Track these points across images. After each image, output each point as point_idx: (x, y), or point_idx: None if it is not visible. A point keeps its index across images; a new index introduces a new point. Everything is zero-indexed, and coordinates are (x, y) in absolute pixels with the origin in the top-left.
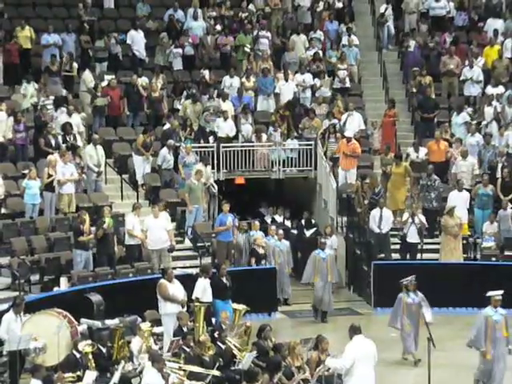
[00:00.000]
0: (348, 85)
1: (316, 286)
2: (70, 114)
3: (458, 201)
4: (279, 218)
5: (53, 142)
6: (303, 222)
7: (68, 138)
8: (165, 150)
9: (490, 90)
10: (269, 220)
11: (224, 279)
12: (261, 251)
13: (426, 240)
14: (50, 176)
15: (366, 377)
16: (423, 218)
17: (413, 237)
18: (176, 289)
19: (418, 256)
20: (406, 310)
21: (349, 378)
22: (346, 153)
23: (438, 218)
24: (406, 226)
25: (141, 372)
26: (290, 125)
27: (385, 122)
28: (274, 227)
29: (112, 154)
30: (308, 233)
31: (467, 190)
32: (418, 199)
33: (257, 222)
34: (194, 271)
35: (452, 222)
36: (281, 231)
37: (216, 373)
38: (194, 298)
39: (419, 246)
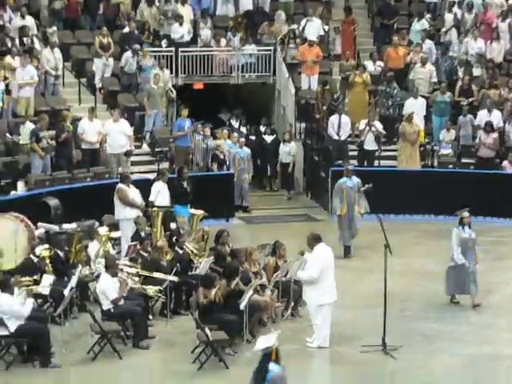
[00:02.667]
0: None
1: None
2: (23, 16)
3: (415, 108)
4: (235, 124)
5: (9, 44)
6: (262, 128)
7: (26, 41)
8: (129, 53)
9: None
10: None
11: (185, 184)
12: (221, 157)
13: (383, 147)
14: (6, 79)
15: (330, 285)
16: (380, 126)
17: (370, 144)
18: (134, 193)
19: (376, 163)
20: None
21: (314, 286)
22: (308, 58)
23: (396, 126)
24: (363, 134)
25: (98, 276)
26: (247, 30)
27: (344, 29)
28: (236, 134)
29: (70, 58)
30: (268, 139)
31: (425, 97)
32: (375, 107)
33: (225, 131)
34: (152, 176)
35: (410, 129)
36: (242, 139)
37: (173, 278)
38: (149, 201)
39: (376, 153)
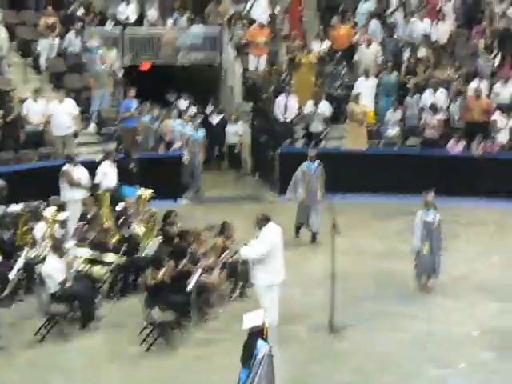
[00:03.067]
0: None
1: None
2: None
3: (364, 88)
4: (184, 104)
5: None
6: (209, 108)
7: None
8: (71, 33)
9: None
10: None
11: (132, 164)
12: (168, 138)
13: (330, 128)
14: None
15: (279, 265)
16: (327, 107)
17: (317, 125)
18: (81, 174)
19: (323, 144)
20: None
21: (261, 266)
22: (258, 39)
23: (343, 106)
24: (309, 114)
25: (44, 258)
26: (193, 10)
27: (290, 10)
28: (188, 114)
29: (15, 38)
30: (215, 120)
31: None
32: (322, 88)
33: (175, 111)
34: (99, 157)
35: (358, 109)
36: (197, 122)
37: (119, 258)
38: (95, 182)
39: (323, 134)
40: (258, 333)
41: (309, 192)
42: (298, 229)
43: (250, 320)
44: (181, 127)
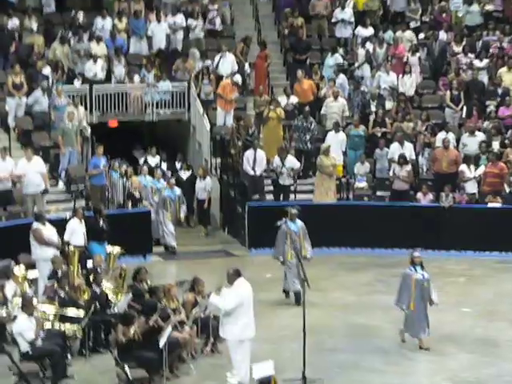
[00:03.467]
0: (218, 27)
1: None
2: None
3: (334, 142)
4: (153, 160)
5: None
6: (178, 164)
7: None
8: (38, 92)
9: (360, 31)
10: (142, 162)
11: (101, 221)
12: (137, 195)
13: (299, 181)
14: None
15: (250, 320)
16: (294, 161)
17: (285, 179)
18: (50, 232)
19: (292, 197)
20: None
21: (233, 321)
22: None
23: (311, 160)
24: (277, 169)
25: (15, 317)
26: (161, 67)
27: (257, 64)
28: (159, 171)
29: None
30: (184, 175)
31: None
32: (290, 143)
33: (145, 167)
34: (68, 214)
35: (327, 162)
36: (172, 180)
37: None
38: (64, 240)
39: (292, 188)
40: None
41: (294, 252)
42: (287, 293)
43: (260, 370)
44: (153, 184)
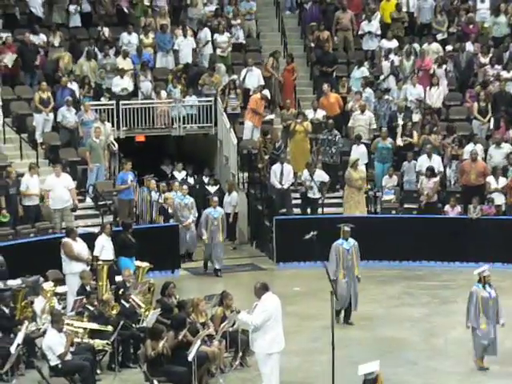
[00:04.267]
0: (242, 40)
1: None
2: None
3: (356, 154)
4: (179, 175)
5: None
6: (205, 178)
7: None
8: (63, 107)
9: (384, 43)
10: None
11: (130, 236)
12: (170, 210)
13: (327, 195)
14: None
15: (279, 334)
16: (323, 174)
17: (314, 193)
18: (80, 247)
19: (320, 210)
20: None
21: (261, 335)
22: (256, 109)
23: (338, 173)
24: (306, 183)
25: (44, 332)
26: (186, 83)
27: (284, 77)
28: (177, 183)
29: (10, 113)
30: (212, 189)
31: (365, 143)
32: (317, 156)
33: (176, 183)
34: (96, 230)
35: (356, 175)
36: (185, 186)
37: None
38: (93, 256)
39: (320, 201)
40: (373, 380)
41: (345, 271)
42: (338, 313)
43: (367, 367)
44: (180, 199)
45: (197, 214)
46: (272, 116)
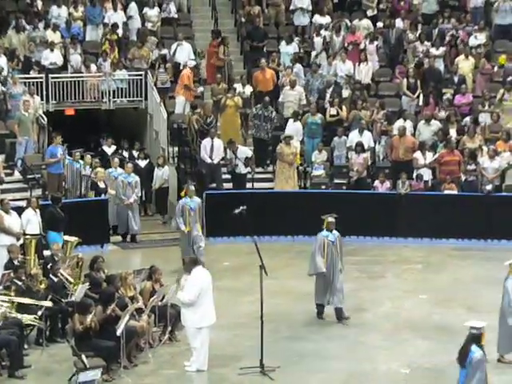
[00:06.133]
0: (173, 15)
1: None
2: None
3: (293, 130)
4: (109, 150)
5: None
6: (135, 153)
7: None
8: None
9: (317, 19)
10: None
11: (58, 211)
12: (102, 185)
13: (258, 170)
14: None
15: (209, 308)
16: (246, 150)
17: (241, 168)
18: (13, 221)
19: (250, 185)
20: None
21: (191, 309)
22: (189, 84)
23: (269, 149)
24: (232, 161)
25: None
26: (119, 52)
27: (209, 52)
28: (116, 159)
29: None
30: (142, 164)
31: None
32: (247, 132)
33: (116, 160)
34: (25, 203)
35: (288, 150)
36: (130, 164)
37: (48, 304)
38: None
39: (250, 175)
40: (476, 337)
41: (329, 265)
42: (320, 307)
43: (474, 322)
44: (115, 174)
45: (140, 194)
46: (201, 89)
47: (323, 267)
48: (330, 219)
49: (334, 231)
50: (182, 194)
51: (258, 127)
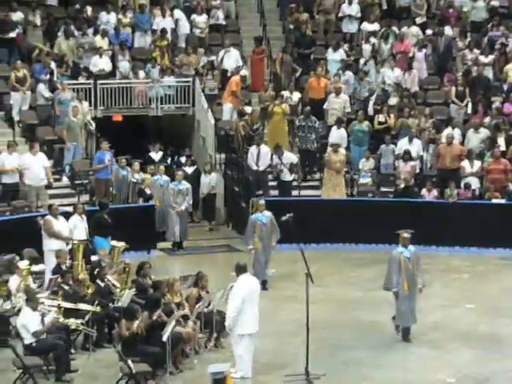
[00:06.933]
0: (221, 21)
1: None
2: None
3: (337, 137)
4: (156, 156)
5: None
6: (183, 159)
7: None
8: (41, 86)
9: (366, 26)
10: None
11: (105, 216)
12: (148, 192)
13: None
14: None
15: (253, 315)
16: (291, 155)
17: (286, 175)
18: (61, 225)
19: (296, 193)
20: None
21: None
22: (236, 91)
23: (316, 158)
24: (277, 167)
25: (19, 311)
26: (169, 57)
27: (253, 60)
28: (161, 167)
29: None
30: (189, 170)
31: (345, 127)
32: (293, 140)
33: (161, 167)
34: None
35: (335, 158)
36: (180, 172)
37: (95, 309)
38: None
39: (296, 183)
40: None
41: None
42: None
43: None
44: (161, 182)
45: (191, 201)
46: (249, 109)
47: (396, 286)
48: (406, 235)
49: (410, 246)
50: (253, 209)
51: (303, 138)
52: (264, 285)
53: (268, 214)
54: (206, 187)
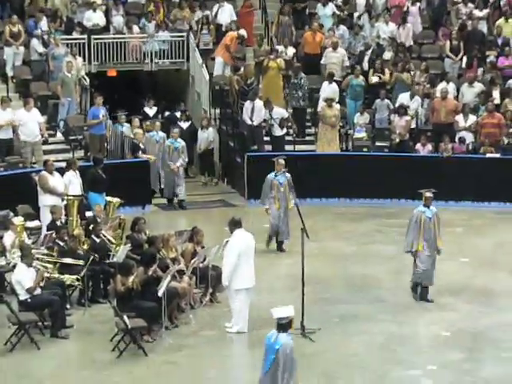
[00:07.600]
0: None
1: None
2: None
3: (329, 92)
4: (151, 111)
5: None
6: (178, 114)
7: None
8: (34, 41)
9: None
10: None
11: (100, 172)
12: (142, 146)
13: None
14: None
15: (249, 270)
16: (282, 111)
17: (276, 130)
18: (56, 181)
19: (291, 148)
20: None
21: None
22: (230, 45)
23: (305, 114)
24: (267, 122)
25: (14, 267)
26: (164, 12)
27: (241, 14)
28: (158, 123)
29: None
30: (184, 125)
31: (337, 81)
32: (287, 96)
33: (157, 123)
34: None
35: (330, 113)
36: (176, 129)
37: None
38: None
39: (291, 137)
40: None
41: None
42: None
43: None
44: (157, 138)
45: (187, 159)
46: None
47: (413, 246)
48: (428, 194)
49: (432, 207)
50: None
51: (291, 96)
52: (280, 245)
53: (287, 174)
54: (203, 142)
